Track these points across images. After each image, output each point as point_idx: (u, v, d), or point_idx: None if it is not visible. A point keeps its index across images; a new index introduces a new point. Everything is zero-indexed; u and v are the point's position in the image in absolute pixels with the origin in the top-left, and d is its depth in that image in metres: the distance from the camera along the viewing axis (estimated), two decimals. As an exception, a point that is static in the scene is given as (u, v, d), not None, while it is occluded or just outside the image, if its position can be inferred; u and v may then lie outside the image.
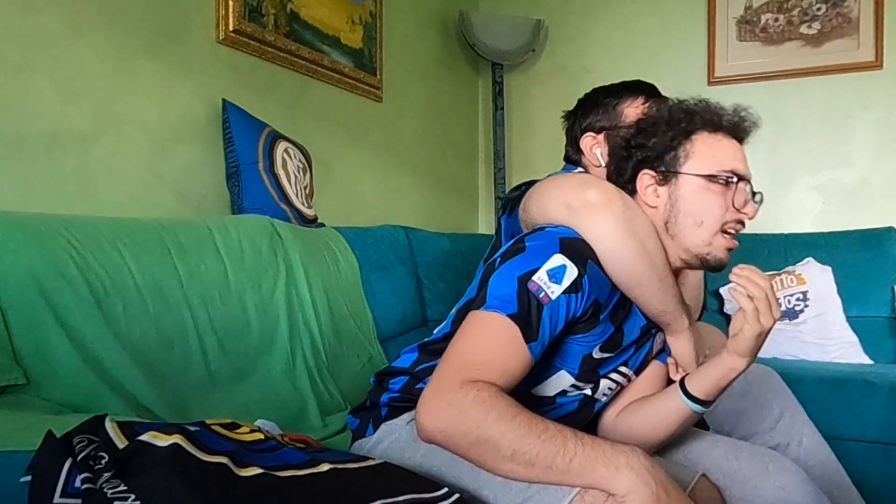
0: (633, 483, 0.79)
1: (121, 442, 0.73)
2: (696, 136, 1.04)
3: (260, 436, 0.88)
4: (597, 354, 1.03)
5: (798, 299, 2.29)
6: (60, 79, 1.44)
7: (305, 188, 1.89)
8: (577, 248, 0.96)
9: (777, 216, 2.73)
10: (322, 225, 1.90)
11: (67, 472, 0.70)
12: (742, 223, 1.04)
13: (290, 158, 1.83)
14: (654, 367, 1.16)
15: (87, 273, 1.13)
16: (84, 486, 0.68)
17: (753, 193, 1.05)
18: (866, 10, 2.61)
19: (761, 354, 2.54)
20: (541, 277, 0.92)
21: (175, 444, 0.72)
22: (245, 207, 1.70)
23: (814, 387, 1.84)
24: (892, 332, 2.29)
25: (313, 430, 1.35)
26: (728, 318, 2.39)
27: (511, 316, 0.89)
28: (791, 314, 2.29)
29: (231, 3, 1.82)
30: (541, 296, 0.91)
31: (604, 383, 1.08)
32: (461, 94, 3.13)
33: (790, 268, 2.38)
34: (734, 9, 2.80)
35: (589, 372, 1.04)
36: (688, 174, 1.03)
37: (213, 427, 0.84)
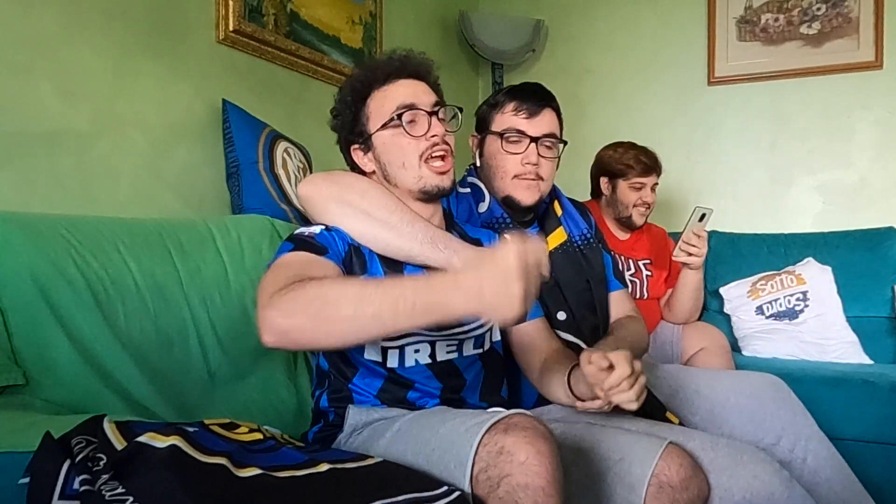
0: (473, 285, 0.76)
1: (119, 443, 0.73)
2: (370, 98, 1.16)
3: (259, 436, 0.88)
4: None
5: (798, 299, 2.29)
6: (60, 79, 1.44)
7: (305, 188, 1.88)
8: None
9: (777, 216, 2.73)
10: (322, 225, 1.90)
11: (66, 473, 0.70)
12: (438, 142, 1.12)
13: (290, 158, 1.83)
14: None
15: (87, 273, 1.13)
16: (82, 488, 0.68)
17: (433, 112, 1.13)
18: (866, 10, 2.61)
19: (762, 355, 2.51)
20: (300, 230, 1.10)
21: (173, 446, 0.72)
22: (245, 207, 1.70)
23: (814, 387, 1.84)
24: (892, 332, 2.29)
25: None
26: (728, 317, 2.39)
27: (292, 250, 1.03)
28: (791, 314, 2.28)
29: (231, 3, 1.82)
30: (306, 235, 1.07)
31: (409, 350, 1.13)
32: (461, 94, 3.13)
33: (790, 268, 2.38)
34: (734, 9, 2.79)
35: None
36: (373, 132, 1.15)
37: (212, 427, 0.84)
